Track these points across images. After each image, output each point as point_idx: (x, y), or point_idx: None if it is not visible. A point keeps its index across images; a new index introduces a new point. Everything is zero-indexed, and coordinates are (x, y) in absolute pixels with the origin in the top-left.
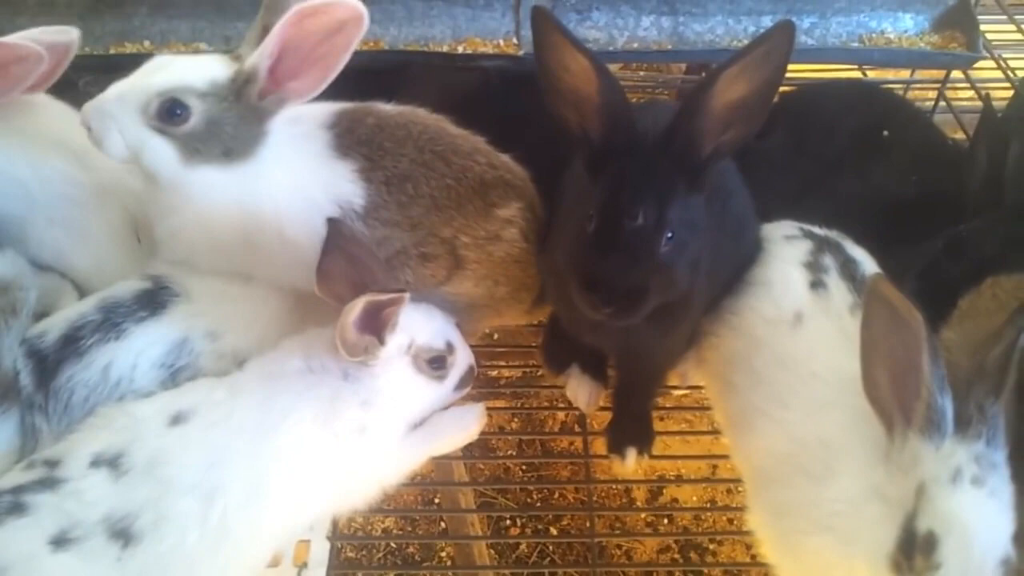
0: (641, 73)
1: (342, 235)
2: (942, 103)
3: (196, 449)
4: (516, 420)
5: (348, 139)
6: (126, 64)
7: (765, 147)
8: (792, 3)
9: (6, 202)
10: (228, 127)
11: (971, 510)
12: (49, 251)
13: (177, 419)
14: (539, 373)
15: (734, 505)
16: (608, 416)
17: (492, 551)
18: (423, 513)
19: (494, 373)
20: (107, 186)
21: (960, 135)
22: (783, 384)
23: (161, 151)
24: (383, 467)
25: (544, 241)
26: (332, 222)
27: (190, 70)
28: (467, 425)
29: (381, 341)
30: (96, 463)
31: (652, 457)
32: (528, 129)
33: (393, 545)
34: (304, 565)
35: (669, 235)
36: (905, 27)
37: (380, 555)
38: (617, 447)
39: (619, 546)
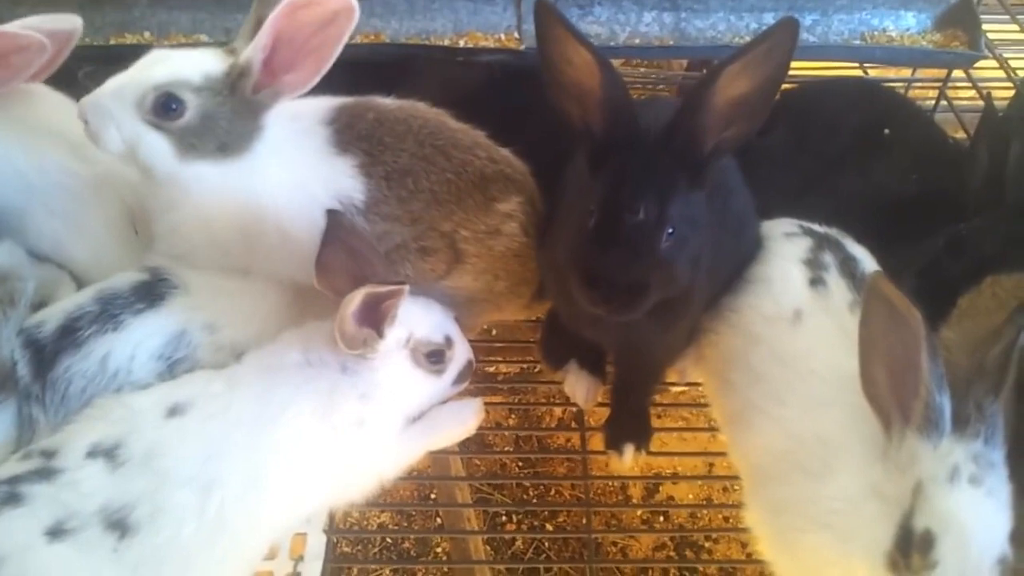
0: (642, 69)
1: (342, 227)
2: (943, 102)
3: (193, 441)
4: (513, 416)
5: (348, 134)
6: (126, 55)
7: (766, 144)
8: (794, 0)
9: (5, 193)
10: (223, 121)
11: (968, 509)
12: (47, 242)
13: (174, 411)
14: (537, 369)
15: (730, 503)
16: (606, 412)
17: (488, 546)
18: (419, 508)
19: (492, 369)
20: (105, 178)
21: (961, 134)
22: (781, 381)
23: (156, 146)
24: (381, 460)
25: (544, 236)
26: (332, 214)
27: (185, 64)
28: (465, 420)
29: (380, 334)
30: (93, 454)
31: (649, 454)
32: (529, 124)
33: (389, 540)
34: (300, 558)
35: (670, 231)
36: (907, 25)
37: (376, 550)
38: (615, 443)
39: (615, 543)
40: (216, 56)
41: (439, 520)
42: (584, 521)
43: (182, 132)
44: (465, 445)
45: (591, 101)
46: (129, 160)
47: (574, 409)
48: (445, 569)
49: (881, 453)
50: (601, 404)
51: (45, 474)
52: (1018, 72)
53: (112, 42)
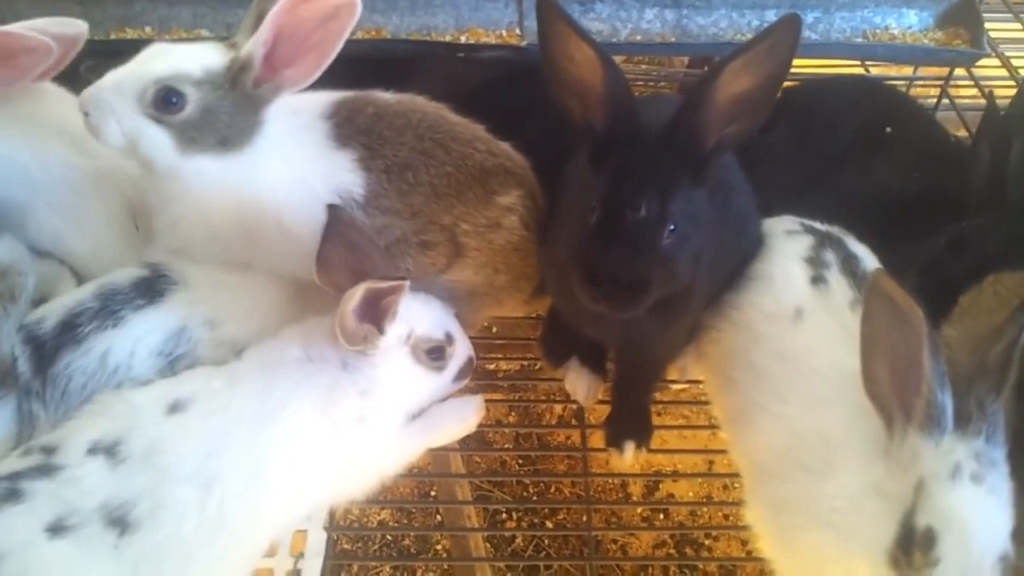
0: (644, 66)
1: (342, 222)
2: (945, 100)
3: (194, 437)
4: (514, 413)
5: (347, 128)
6: (127, 49)
7: (768, 142)
8: None
9: (6, 187)
10: (223, 115)
11: (970, 507)
12: (47, 236)
13: (175, 407)
14: (537, 366)
15: (730, 500)
16: (606, 410)
17: (488, 544)
18: (419, 505)
19: (492, 366)
20: (106, 172)
21: (963, 132)
22: (783, 379)
23: (157, 140)
24: (381, 457)
25: (545, 232)
26: (332, 209)
27: (186, 58)
28: (465, 417)
29: (380, 330)
30: (93, 450)
31: (649, 451)
32: (530, 120)
33: (389, 537)
34: (301, 555)
35: (671, 227)
36: (909, 23)
37: (376, 547)
38: (615, 440)
39: (615, 540)
40: (217, 50)
41: (439, 517)
42: (584, 518)
43: (183, 126)
44: (465, 442)
45: (593, 98)
46: (130, 154)
47: (574, 406)
48: (445, 566)
49: (883, 451)
50: (602, 401)
51: (45, 470)
52: (1020, 70)
53: (113, 36)
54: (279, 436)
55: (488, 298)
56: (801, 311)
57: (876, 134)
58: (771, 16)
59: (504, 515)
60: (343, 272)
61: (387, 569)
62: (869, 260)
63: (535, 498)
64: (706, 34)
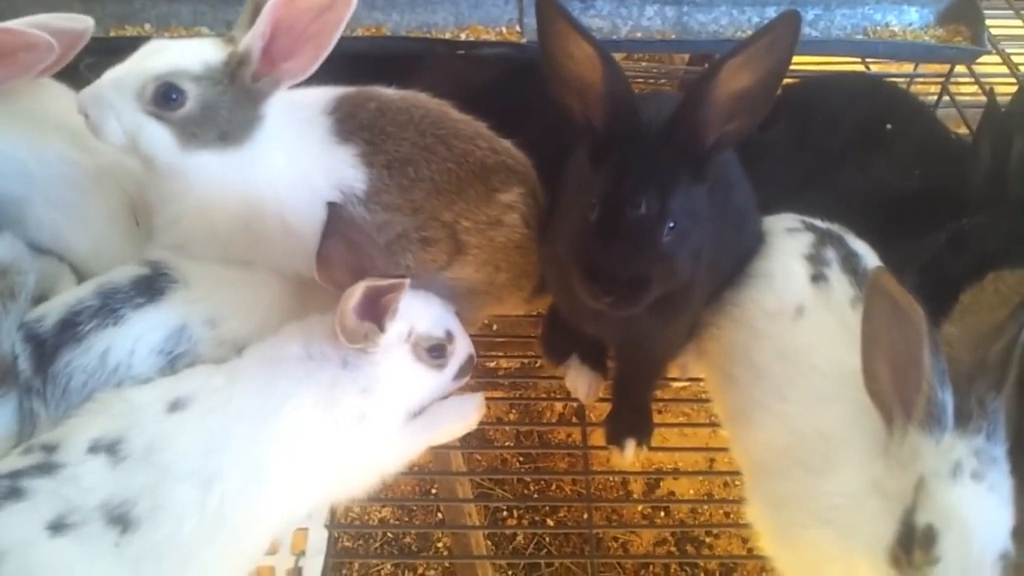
0: (644, 63)
1: (342, 220)
2: (945, 97)
3: (194, 436)
4: (514, 411)
5: (350, 124)
6: (126, 47)
7: (767, 139)
8: None
9: (5, 184)
10: (223, 110)
11: (970, 504)
12: (47, 234)
13: (176, 405)
14: (538, 364)
15: (731, 498)
16: (607, 407)
17: (489, 542)
18: (420, 503)
19: (493, 364)
20: (106, 169)
21: (963, 130)
22: (783, 377)
23: (158, 136)
24: (382, 455)
25: (545, 230)
26: (332, 207)
27: (184, 54)
28: (466, 415)
29: (381, 328)
30: (94, 449)
31: (650, 449)
32: (530, 118)
33: (390, 535)
34: (302, 553)
35: (671, 225)
36: (910, 20)
37: (377, 544)
38: (616, 438)
39: (616, 538)
40: (215, 45)
41: (440, 515)
42: (585, 516)
43: (183, 122)
44: (466, 440)
45: (592, 95)
46: (130, 151)
47: (575, 404)
48: (446, 564)
49: (883, 449)
50: (602, 399)
51: (46, 469)
52: (1021, 67)
53: (112, 34)
54: (279, 434)
55: (489, 296)
56: (802, 309)
57: (876, 131)
58: (771, 13)
59: (505, 513)
60: (343, 270)
61: (388, 567)
62: (869, 258)
63: (536, 496)
64: (706, 31)
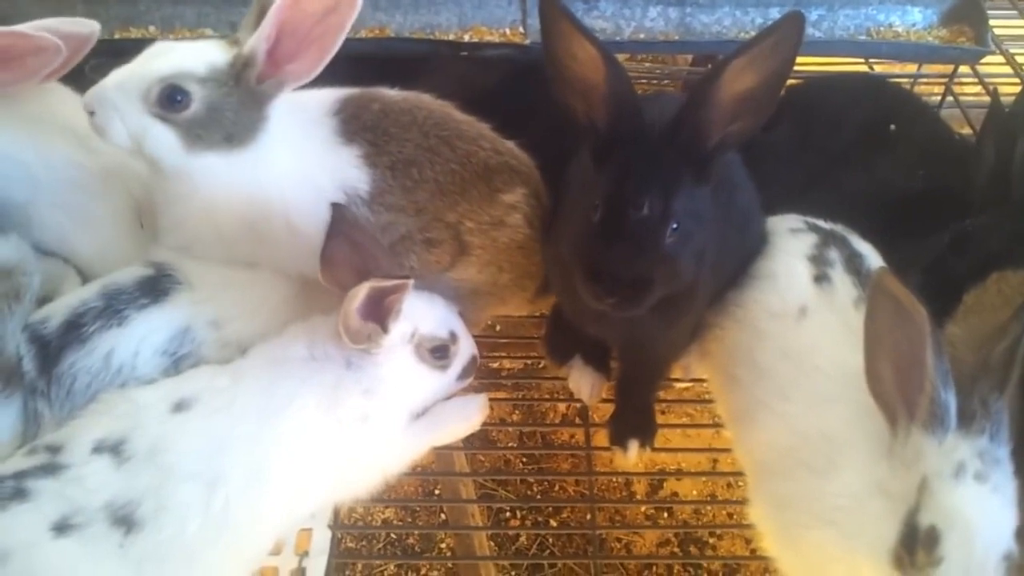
0: (647, 64)
1: (346, 221)
2: (949, 98)
3: (198, 436)
4: (517, 412)
5: (354, 125)
6: (131, 49)
7: (771, 140)
8: None
9: (10, 186)
10: (228, 112)
11: (974, 505)
12: (52, 235)
13: (179, 406)
14: (541, 365)
15: (734, 499)
16: (610, 408)
17: (492, 542)
18: (423, 504)
19: (496, 365)
20: (111, 171)
21: (967, 130)
22: (786, 377)
23: (163, 138)
24: (385, 456)
25: (549, 231)
26: (336, 208)
27: (189, 56)
28: (469, 415)
29: (384, 329)
30: (98, 449)
31: (653, 450)
32: (533, 119)
33: (393, 535)
34: (305, 553)
35: (674, 226)
36: (913, 20)
37: (380, 545)
38: (619, 439)
39: (619, 539)
40: (220, 47)
41: (443, 516)
42: (588, 517)
43: (188, 124)
44: (469, 441)
45: (596, 96)
46: (135, 153)
47: (578, 405)
48: (449, 565)
49: (886, 449)
50: (605, 400)
51: (51, 469)
52: None
53: (117, 36)
54: (283, 434)
55: (492, 297)
56: (805, 309)
57: (880, 132)
58: (775, 14)
59: (508, 513)
60: (347, 271)
61: (391, 567)
62: (873, 258)
63: (539, 496)
64: (710, 32)
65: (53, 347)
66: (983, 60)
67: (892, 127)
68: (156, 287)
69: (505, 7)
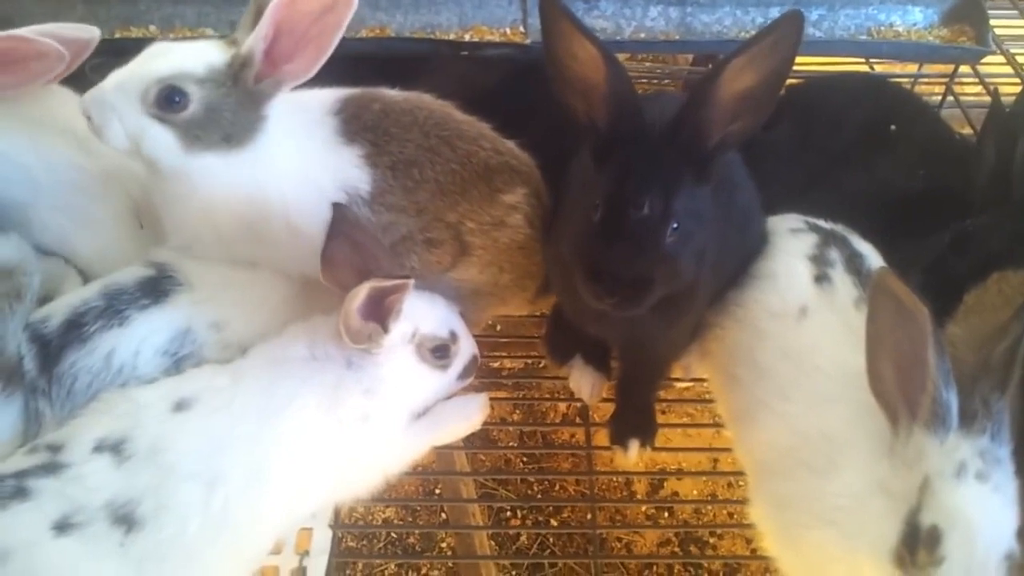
0: (647, 64)
1: (347, 221)
2: (950, 98)
3: (198, 436)
4: (518, 411)
5: (354, 125)
6: (131, 48)
7: (771, 139)
8: None
9: (11, 187)
10: (227, 112)
11: (975, 505)
12: (52, 236)
13: (180, 405)
14: (541, 364)
15: (735, 499)
16: (611, 408)
17: (493, 542)
18: (424, 503)
19: (496, 364)
20: (110, 172)
21: (968, 130)
22: (787, 377)
23: (161, 139)
24: (386, 455)
25: (549, 230)
26: (337, 208)
27: (187, 56)
28: (470, 415)
29: (385, 329)
30: (99, 449)
31: (654, 450)
32: (534, 118)
33: (394, 535)
34: (306, 553)
35: (675, 225)
36: (914, 20)
37: (381, 545)
38: (620, 438)
39: (619, 539)
40: (218, 47)
41: (444, 515)
42: (589, 517)
43: (187, 124)
44: (470, 440)
45: (596, 96)
46: (134, 155)
47: (579, 405)
48: (450, 564)
49: (887, 449)
50: (606, 400)
51: (52, 468)
52: None
53: (117, 35)
54: (283, 434)
55: (493, 297)
56: (805, 309)
57: (880, 132)
58: (775, 13)
59: (509, 513)
60: (348, 271)
61: (392, 567)
62: (873, 258)
63: (540, 496)
64: (710, 32)
65: (54, 346)
66: (984, 60)
67: (892, 127)
68: (157, 288)
69: (505, 7)
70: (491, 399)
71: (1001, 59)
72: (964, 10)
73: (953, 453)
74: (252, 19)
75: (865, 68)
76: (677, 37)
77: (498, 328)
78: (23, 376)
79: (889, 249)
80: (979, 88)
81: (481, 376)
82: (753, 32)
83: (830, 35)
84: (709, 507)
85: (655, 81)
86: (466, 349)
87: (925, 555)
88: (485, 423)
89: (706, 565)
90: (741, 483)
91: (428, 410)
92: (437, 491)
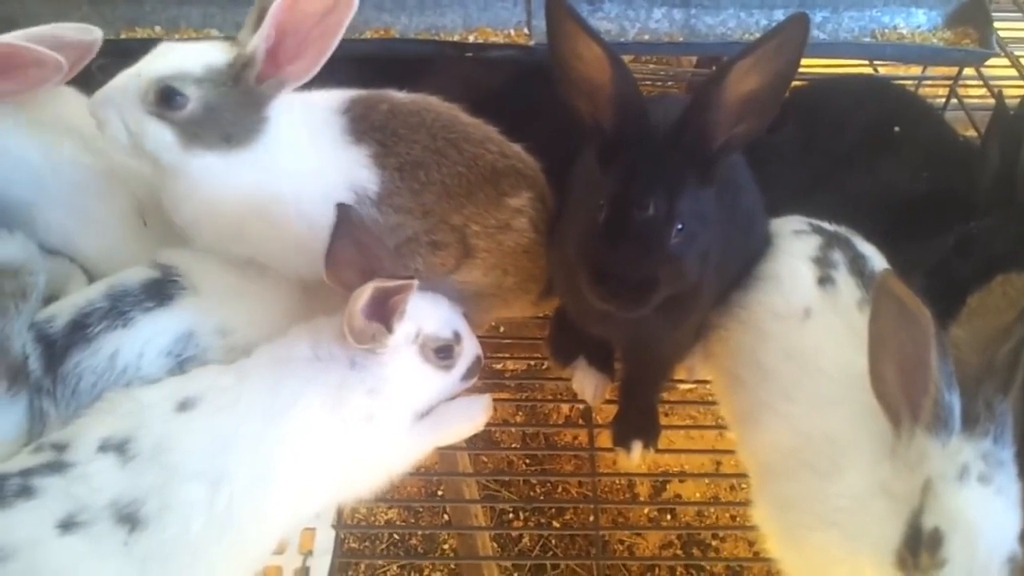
0: (651, 66)
1: (351, 221)
2: (954, 100)
3: (202, 435)
4: (521, 413)
5: (362, 124)
6: (137, 49)
7: (775, 141)
8: None
9: (16, 187)
10: (227, 112)
11: (977, 507)
12: (57, 235)
13: (184, 405)
14: (544, 366)
15: (737, 501)
16: (614, 409)
17: (495, 543)
18: (427, 504)
19: (499, 366)
20: (115, 171)
21: (972, 132)
22: (790, 379)
23: (161, 137)
24: (390, 456)
25: (553, 232)
26: (341, 208)
27: (187, 57)
28: (473, 416)
29: (389, 329)
30: (104, 448)
31: (657, 451)
32: (538, 120)
33: (396, 536)
34: (309, 553)
35: (679, 227)
36: (918, 22)
37: (383, 546)
38: (622, 440)
39: (622, 540)
40: (221, 48)
41: (446, 516)
42: (591, 518)
43: (186, 123)
44: (472, 441)
45: (601, 97)
46: (137, 153)
47: (582, 406)
48: (452, 565)
49: (890, 451)
50: (609, 401)
51: (56, 467)
52: None
53: (123, 36)
54: (287, 434)
55: (496, 299)
56: (809, 311)
57: (884, 134)
58: (779, 15)
59: (511, 514)
60: (352, 271)
61: (394, 568)
62: (877, 260)
63: (542, 498)
64: (714, 33)
65: (59, 346)
66: (987, 62)
67: (896, 129)
68: (161, 291)
69: (510, 8)
70: (494, 400)
71: (1005, 61)
72: (968, 12)
73: (956, 455)
74: (255, 20)
75: (869, 70)
76: (681, 39)
77: (501, 329)
78: (28, 375)
79: (892, 251)
80: (983, 90)
81: (484, 377)
82: (757, 34)
83: (834, 37)
84: (712, 509)
85: (659, 83)
86: (470, 350)
87: (927, 557)
88: (488, 424)
89: (709, 567)
90: (744, 485)
91: (431, 411)
92: (440, 492)
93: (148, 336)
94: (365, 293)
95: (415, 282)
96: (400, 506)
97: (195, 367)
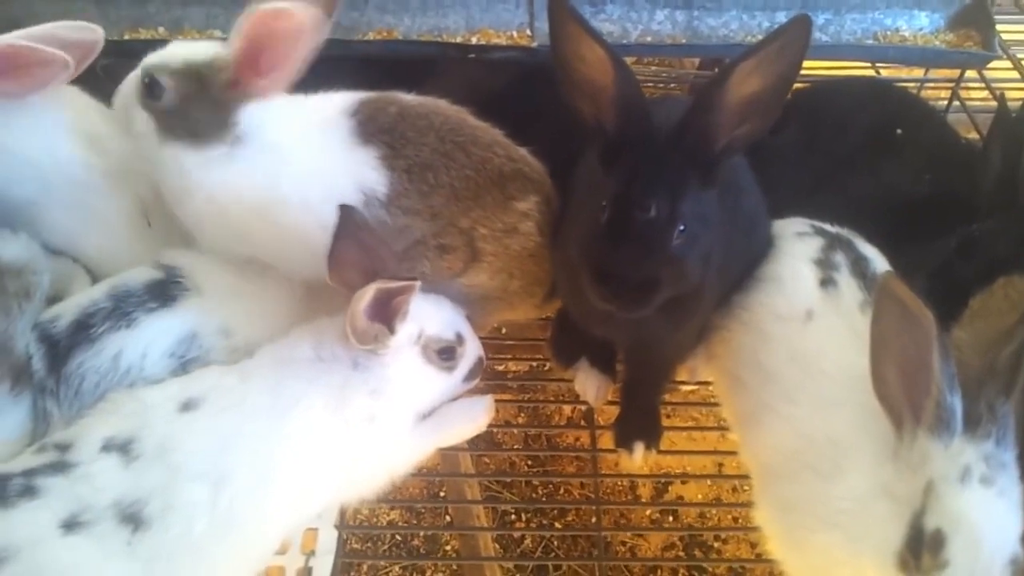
0: (654, 68)
1: (354, 222)
2: (956, 102)
3: (206, 435)
4: (523, 414)
5: (371, 126)
6: (141, 50)
7: (777, 143)
8: None
9: (20, 186)
10: (193, 109)
11: (979, 509)
12: (60, 235)
13: (187, 405)
14: (546, 367)
15: (739, 502)
16: (616, 410)
17: (497, 544)
18: (429, 505)
19: (501, 367)
20: (119, 171)
21: (974, 135)
22: (792, 381)
23: (142, 124)
24: (392, 456)
25: (556, 233)
26: (344, 209)
27: (176, 50)
28: (476, 416)
29: (391, 330)
30: (107, 448)
31: (659, 452)
32: (540, 121)
33: (399, 537)
34: (312, 553)
35: (681, 228)
36: (920, 25)
37: (386, 546)
38: (624, 441)
39: (624, 542)
40: (208, 46)
41: (449, 517)
42: (593, 520)
43: (163, 114)
44: (475, 443)
45: (604, 98)
46: (128, 134)
47: (584, 407)
48: (454, 566)
49: (892, 453)
50: (611, 402)
51: (60, 467)
52: None
53: (126, 37)
54: (290, 434)
55: (501, 303)
56: (811, 313)
57: (886, 136)
58: (782, 17)
59: (513, 515)
60: (355, 272)
61: (396, 569)
62: (879, 262)
63: (544, 499)
64: (716, 35)
65: (62, 347)
66: (990, 65)
67: (898, 131)
68: (165, 292)
69: (512, 10)
70: (496, 401)
71: (1007, 64)
72: (970, 15)
73: (957, 457)
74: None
75: (871, 72)
76: (683, 41)
77: (503, 331)
78: (31, 375)
79: (895, 253)
80: (985, 93)
81: (486, 378)
82: (759, 36)
83: (836, 39)
84: (714, 511)
85: (661, 85)
86: (472, 351)
87: (929, 559)
88: (490, 425)
89: (711, 569)
90: (746, 487)
91: (434, 412)
92: (442, 493)
93: (151, 337)
94: (368, 294)
95: (417, 283)
96: (402, 507)
97: (198, 368)
